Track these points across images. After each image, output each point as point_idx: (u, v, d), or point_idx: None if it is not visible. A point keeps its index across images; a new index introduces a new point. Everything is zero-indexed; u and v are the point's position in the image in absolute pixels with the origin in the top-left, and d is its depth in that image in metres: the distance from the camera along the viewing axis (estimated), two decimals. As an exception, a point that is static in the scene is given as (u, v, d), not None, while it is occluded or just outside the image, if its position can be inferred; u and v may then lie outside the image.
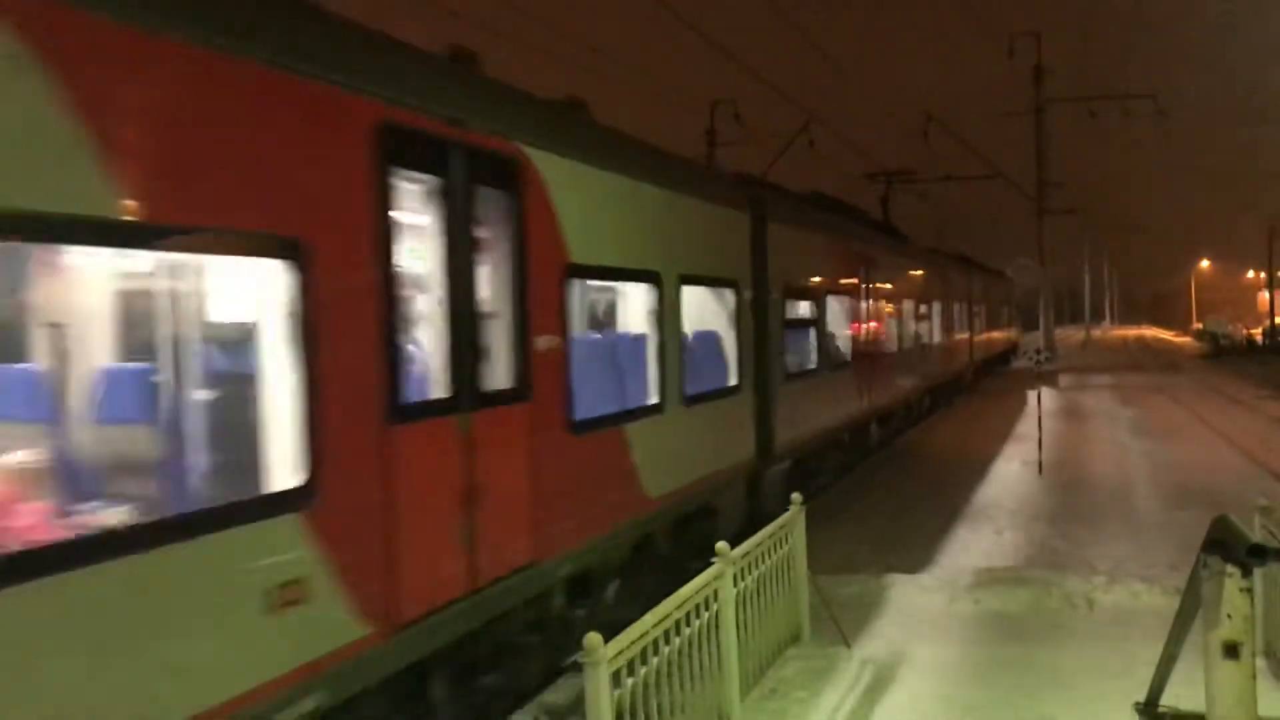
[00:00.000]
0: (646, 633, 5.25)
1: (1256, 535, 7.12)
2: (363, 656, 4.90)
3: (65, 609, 3.58)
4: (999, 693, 7.13)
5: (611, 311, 9.15)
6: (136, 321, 4.82)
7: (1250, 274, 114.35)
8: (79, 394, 4.73)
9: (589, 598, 7.54)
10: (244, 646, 4.29)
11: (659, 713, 5.38)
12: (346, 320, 4.99)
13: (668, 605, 5.59)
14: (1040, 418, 17.25)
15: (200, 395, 4.78)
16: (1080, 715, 6.70)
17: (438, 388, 5.80)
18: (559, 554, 6.75)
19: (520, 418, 6.41)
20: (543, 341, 6.75)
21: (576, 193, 7.28)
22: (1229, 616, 3.84)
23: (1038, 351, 18.63)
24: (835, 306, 15.09)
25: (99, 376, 4.79)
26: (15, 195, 3.52)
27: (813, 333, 13.78)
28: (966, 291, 31.15)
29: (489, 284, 6.28)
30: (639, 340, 8.59)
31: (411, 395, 5.51)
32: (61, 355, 4.66)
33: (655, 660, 5.34)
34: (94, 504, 4.46)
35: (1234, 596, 3.85)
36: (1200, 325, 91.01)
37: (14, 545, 3.66)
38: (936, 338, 24.84)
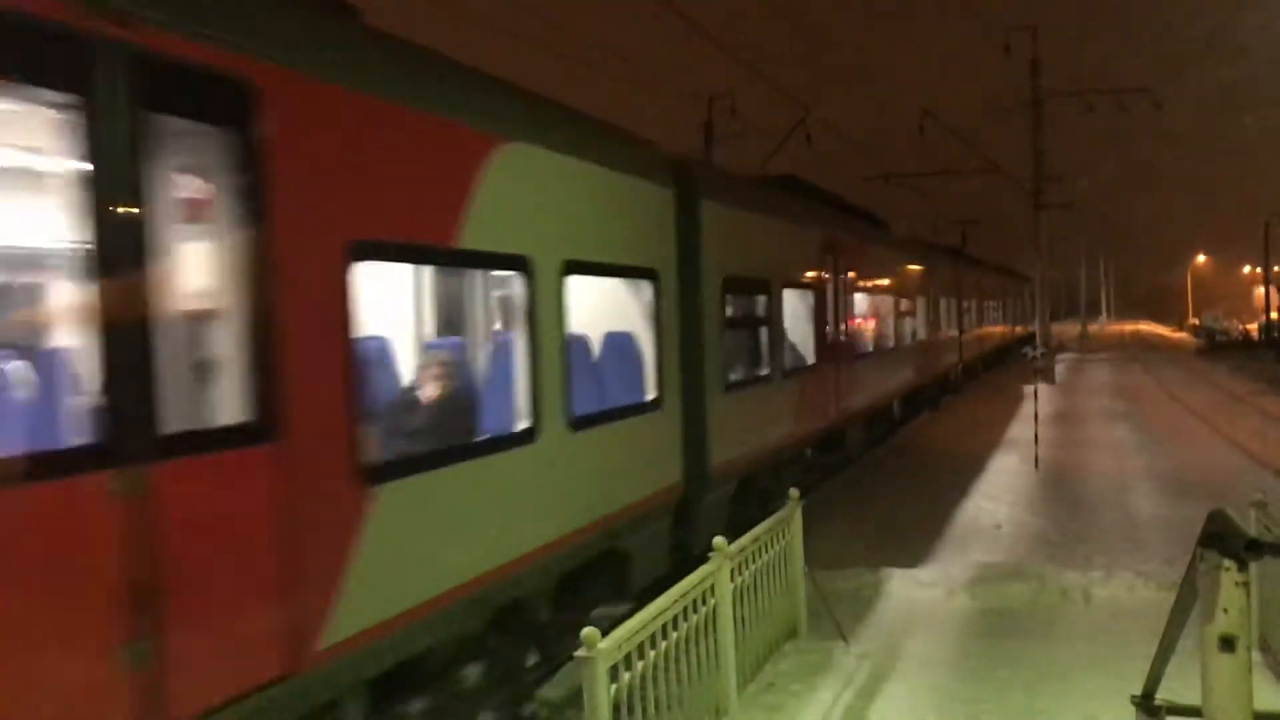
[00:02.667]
0: (644, 627, 5.26)
1: (1253, 529, 7.14)
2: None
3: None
4: (995, 687, 7.15)
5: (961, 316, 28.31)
6: None
7: (1246, 269, 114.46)
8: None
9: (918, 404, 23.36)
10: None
11: (656, 707, 5.39)
12: None
13: (665, 600, 5.60)
14: (1036, 413, 17.29)
15: None
16: (1076, 709, 6.73)
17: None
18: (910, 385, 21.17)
19: None
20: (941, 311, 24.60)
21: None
22: (1225, 610, 3.83)
23: (1033, 346, 18.75)
24: (969, 304, 30.13)
25: None
26: None
27: (958, 317, 28.46)
28: (1014, 291, 47.79)
29: None
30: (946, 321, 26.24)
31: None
32: None
33: (653, 654, 5.35)
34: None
35: (1230, 590, 3.84)
36: (1196, 321, 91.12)
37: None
38: (997, 324, 41.11)
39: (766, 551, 7.50)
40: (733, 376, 10.09)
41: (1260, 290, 76.48)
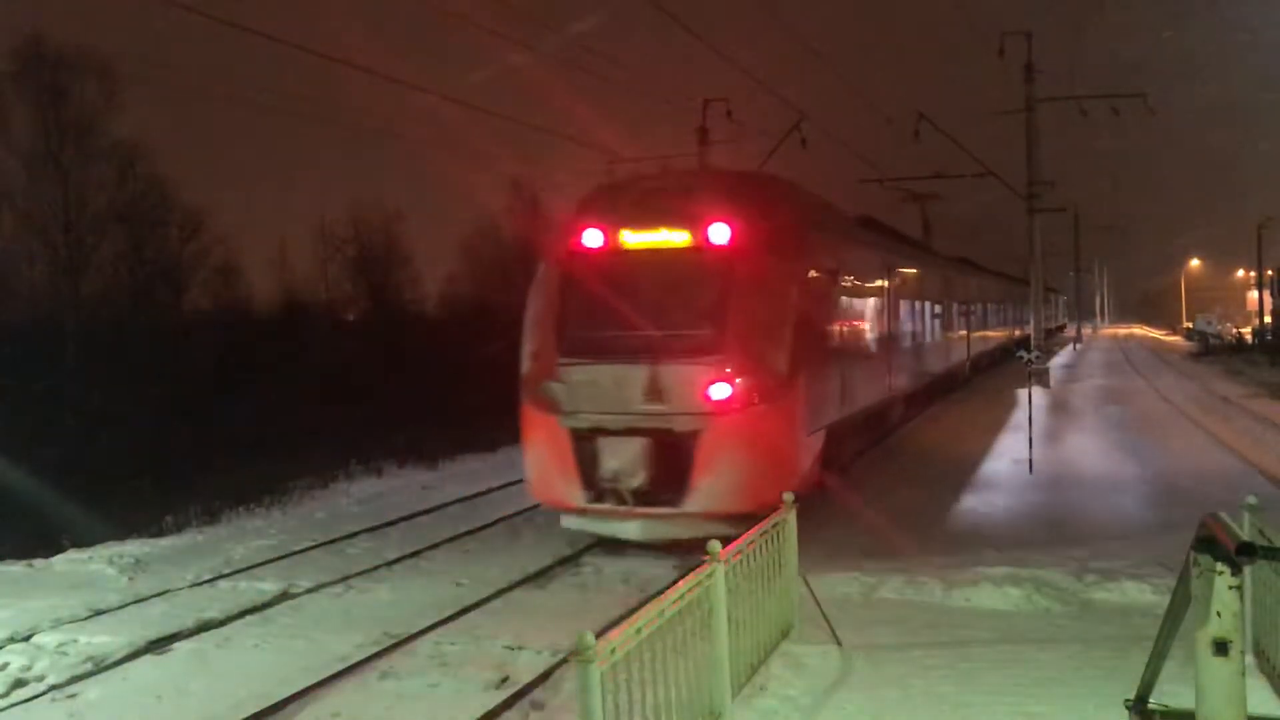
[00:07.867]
0: (639, 630, 5.25)
1: (1246, 533, 7.14)
2: None
3: None
4: (990, 691, 7.15)
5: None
6: None
7: (1240, 273, 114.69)
8: None
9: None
10: None
11: (651, 710, 5.38)
12: None
13: (660, 603, 5.60)
14: (1031, 417, 17.31)
15: None
16: (1071, 713, 6.73)
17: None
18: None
19: None
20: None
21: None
22: (1219, 614, 3.83)
23: (1028, 349, 18.78)
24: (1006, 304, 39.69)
25: None
26: None
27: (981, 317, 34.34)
28: (1022, 295, 53.17)
29: None
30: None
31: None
32: None
33: (647, 658, 5.34)
34: None
35: (1224, 594, 3.84)
36: (1190, 324, 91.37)
37: None
38: (1009, 322, 45.97)
39: (761, 554, 7.50)
40: None
41: (1253, 294, 76.68)
